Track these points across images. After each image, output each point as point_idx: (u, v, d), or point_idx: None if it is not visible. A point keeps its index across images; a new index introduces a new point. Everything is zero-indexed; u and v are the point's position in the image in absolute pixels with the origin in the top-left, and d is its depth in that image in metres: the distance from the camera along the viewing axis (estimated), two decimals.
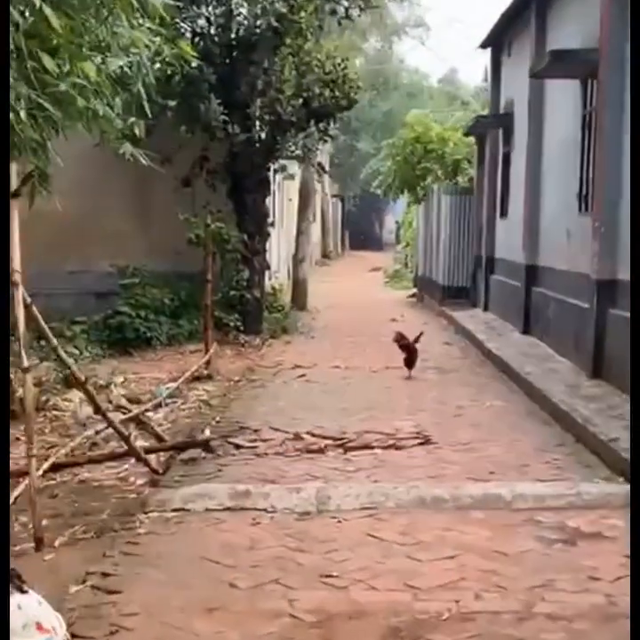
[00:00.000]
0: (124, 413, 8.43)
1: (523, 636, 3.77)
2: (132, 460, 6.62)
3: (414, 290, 24.01)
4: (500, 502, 5.49)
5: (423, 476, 6.19)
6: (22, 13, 4.96)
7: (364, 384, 10.12)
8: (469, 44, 56.26)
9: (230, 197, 13.85)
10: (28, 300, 5.22)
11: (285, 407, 8.65)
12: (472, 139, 19.59)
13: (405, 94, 49.01)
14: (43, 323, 5.34)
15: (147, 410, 8.54)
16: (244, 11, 13.40)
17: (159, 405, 8.90)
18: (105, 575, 4.39)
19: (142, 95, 9.35)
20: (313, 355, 12.38)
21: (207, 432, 7.55)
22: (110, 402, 8.90)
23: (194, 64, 12.99)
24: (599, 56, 9.40)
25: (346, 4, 14.10)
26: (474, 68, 76.64)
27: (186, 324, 13.34)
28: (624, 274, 8.60)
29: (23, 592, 3.20)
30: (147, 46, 8.85)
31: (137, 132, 9.14)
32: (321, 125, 14.27)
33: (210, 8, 13.37)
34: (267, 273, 14.85)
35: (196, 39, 13.21)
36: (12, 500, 5.21)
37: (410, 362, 10.68)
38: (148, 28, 9.28)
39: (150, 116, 11.92)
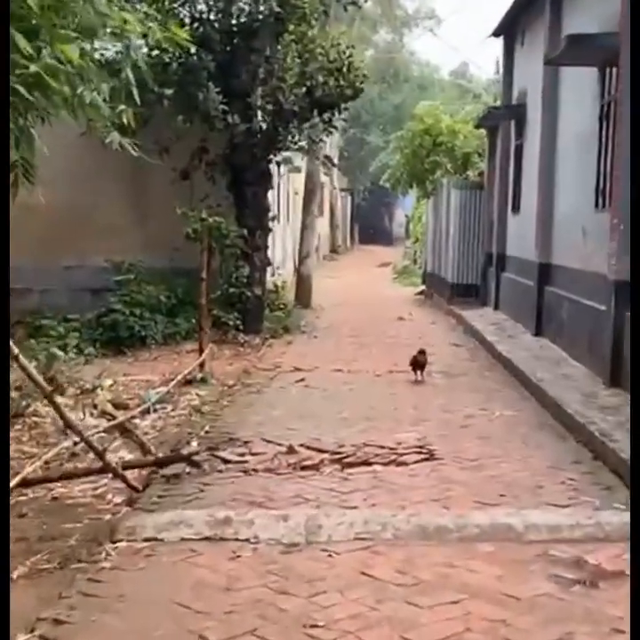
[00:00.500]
0: (109, 420, 7.93)
1: None
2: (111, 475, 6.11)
3: (422, 287, 23.43)
4: (510, 533, 4.92)
5: (425, 498, 5.61)
6: None
7: (367, 390, 9.54)
8: (481, 35, 55.37)
9: (230, 190, 13.30)
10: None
11: (281, 416, 8.08)
12: (483, 131, 19.01)
13: (416, 87, 48.45)
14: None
15: (133, 417, 8.00)
16: None
17: (147, 411, 8.37)
18: (57, 622, 3.84)
19: (131, 81, 8.76)
20: (314, 356, 11.81)
21: (194, 444, 7.01)
22: (95, 407, 8.39)
23: (192, 51, 12.66)
24: (619, 41, 8.77)
25: None
26: (485, 62, 75.52)
27: (183, 322, 12.80)
28: None
29: None
30: (138, 29, 8.26)
31: (125, 120, 8.57)
32: (325, 116, 13.67)
33: None
34: (268, 269, 14.28)
35: (195, 25, 12.64)
36: None
37: (419, 365, 10.11)
38: (144, 14, 8.72)
39: (142, 103, 11.26)
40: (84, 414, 8.19)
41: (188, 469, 6.30)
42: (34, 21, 6.44)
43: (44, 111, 7.47)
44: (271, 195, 14.95)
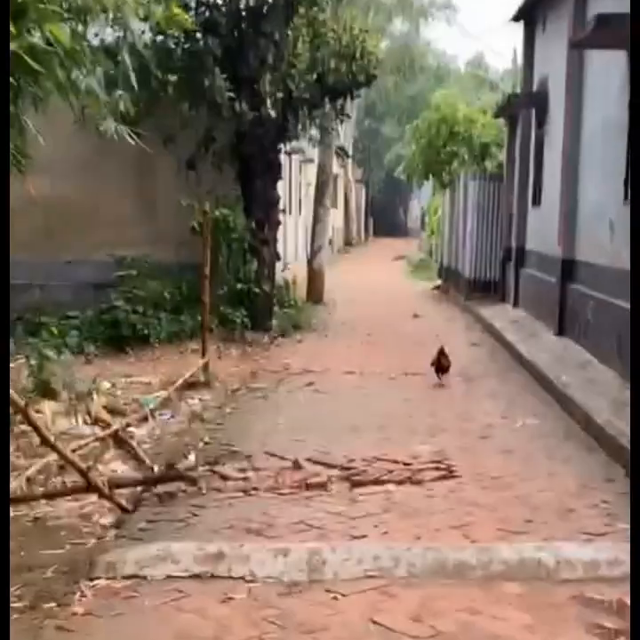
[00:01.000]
0: (104, 428, 7.40)
1: None
2: None
3: (439, 281, 22.80)
4: (540, 570, 4.33)
5: (444, 525, 5.03)
6: None
7: (380, 394, 8.96)
8: (499, 21, 54.46)
9: (238, 182, 12.72)
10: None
11: (287, 425, 7.51)
12: (502, 121, 18.36)
13: (432, 78, 47.68)
14: None
15: (128, 425, 7.48)
16: None
17: (145, 418, 7.84)
18: None
19: (128, 65, 8.15)
20: (325, 356, 11.23)
21: (191, 457, 6.46)
22: (89, 414, 7.86)
23: (198, 35, 12.08)
24: None
25: None
26: (503, 49, 74.32)
27: (188, 319, 12.22)
28: None
29: None
30: (136, 11, 7.65)
31: (122, 107, 7.97)
32: (337, 103, 13.05)
33: None
34: (278, 264, 13.69)
35: (201, 8, 12.06)
36: None
37: (442, 367, 9.55)
38: None
39: (146, 90, 10.58)
40: (77, 421, 7.69)
41: (183, 487, 5.77)
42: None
43: (36, 97, 6.96)
44: (281, 186, 14.36)
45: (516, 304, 15.80)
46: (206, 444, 6.86)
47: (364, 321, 15.21)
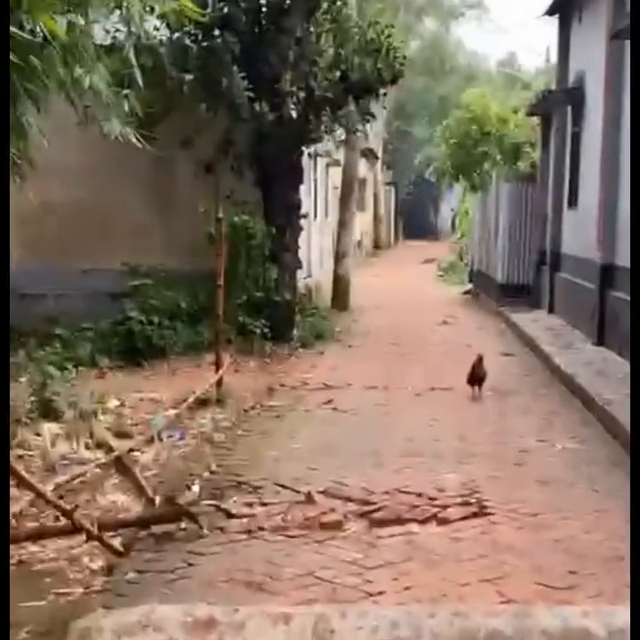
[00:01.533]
0: (107, 452, 6.87)
1: None
2: None
3: (469, 286, 22.08)
4: None
5: (473, 578, 4.39)
6: None
7: (404, 413, 8.32)
8: (532, 16, 53.35)
9: (257, 186, 12.15)
10: None
11: (301, 450, 6.89)
12: (535, 120, 17.65)
13: (462, 78, 46.89)
14: None
15: (132, 449, 6.93)
16: None
17: (152, 439, 7.30)
18: None
19: (132, 61, 7.57)
20: (347, 370, 10.60)
21: (195, 489, 5.88)
22: (91, 436, 7.33)
23: (215, 32, 11.53)
24: None
25: None
26: (536, 46, 73.05)
27: (206, 331, 11.66)
28: None
29: None
30: (140, 3, 7.06)
31: (126, 107, 7.40)
32: (362, 103, 12.41)
33: None
34: (300, 272, 13.10)
35: (219, 4, 11.50)
36: None
37: (477, 378, 8.95)
38: None
39: (161, 90, 9.94)
40: (78, 445, 7.15)
41: (183, 525, 5.20)
42: None
43: (36, 97, 6.47)
44: (305, 190, 13.76)
45: (550, 310, 15.08)
46: (212, 473, 6.28)
47: (391, 329, 14.57)
